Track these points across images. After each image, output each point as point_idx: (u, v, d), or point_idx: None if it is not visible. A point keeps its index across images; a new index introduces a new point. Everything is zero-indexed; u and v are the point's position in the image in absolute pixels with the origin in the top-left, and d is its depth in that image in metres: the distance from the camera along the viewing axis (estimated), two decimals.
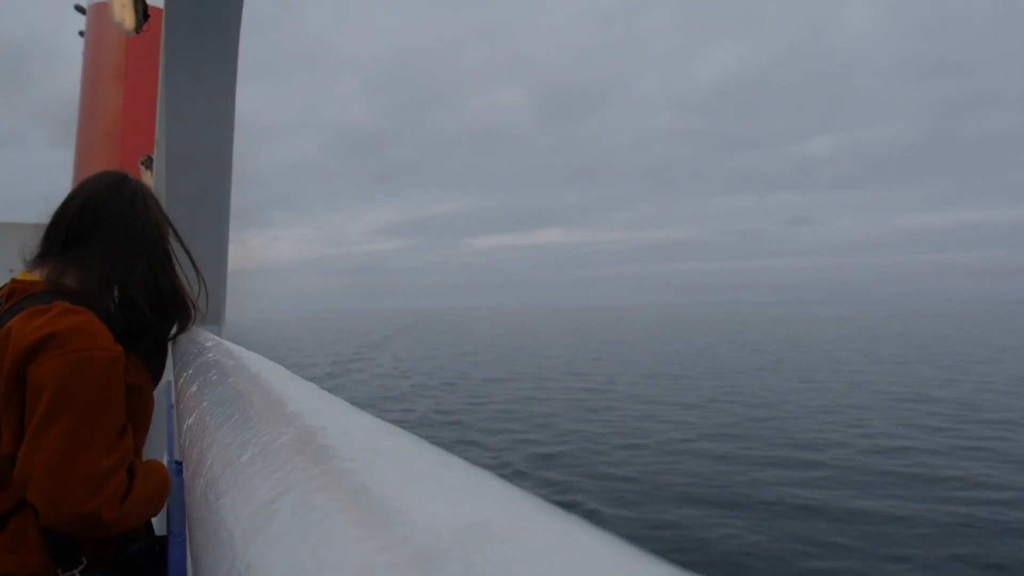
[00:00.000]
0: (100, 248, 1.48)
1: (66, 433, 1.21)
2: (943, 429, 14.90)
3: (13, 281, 1.46)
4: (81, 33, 15.56)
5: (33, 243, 1.52)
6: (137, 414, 1.45)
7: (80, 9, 15.55)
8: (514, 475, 11.30)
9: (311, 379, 0.77)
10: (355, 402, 0.59)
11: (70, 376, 1.24)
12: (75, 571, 1.31)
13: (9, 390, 1.28)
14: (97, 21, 14.53)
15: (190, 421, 0.91)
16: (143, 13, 4.65)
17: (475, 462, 0.34)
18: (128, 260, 1.51)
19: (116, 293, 1.52)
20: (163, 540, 1.53)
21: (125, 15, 4.67)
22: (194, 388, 1.08)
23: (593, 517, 9.02)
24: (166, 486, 1.50)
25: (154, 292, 1.56)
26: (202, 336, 1.64)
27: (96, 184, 1.55)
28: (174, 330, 1.66)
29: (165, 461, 2.59)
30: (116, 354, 1.32)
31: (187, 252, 1.67)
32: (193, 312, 1.68)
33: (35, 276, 1.45)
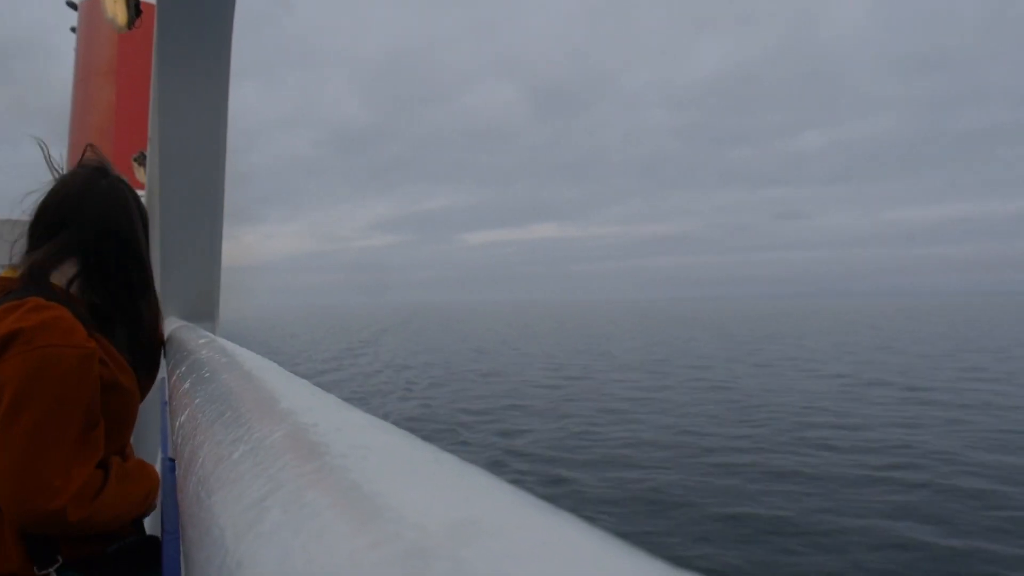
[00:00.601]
0: (75, 242, 1.46)
1: (29, 431, 1.19)
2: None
3: None
4: (73, 29, 15.45)
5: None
6: (118, 412, 1.43)
7: (72, 5, 15.43)
8: (495, 461, 11.61)
9: (304, 374, 0.77)
10: (348, 396, 0.59)
11: (35, 372, 1.22)
12: (51, 570, 1.29)
13: None
14: (89, 17, 14.43)
15: (182, 418, 0.90)
16: (135, 9, 4.63)
17: (462, 455, 0.33)
18: (103, 254, 1.50)
19: (93, 287, 1.51)
20: (149, 540, 1.51)
21: (117, 11, 4.64)
22: (187, 385, 1.07)
23: (580, 501, 9.28)
24: (151, 486, 1.47)
25: (128, 287, 1.55)
26: (196, 333, 1.64)
27: (73, 178, 1.53)
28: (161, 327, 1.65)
29: (159, 458, 2.58)
30: (87, 351, 1.30)
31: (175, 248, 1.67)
32: (159, 309, 1.66)
33: (16, 272, 1.44)
